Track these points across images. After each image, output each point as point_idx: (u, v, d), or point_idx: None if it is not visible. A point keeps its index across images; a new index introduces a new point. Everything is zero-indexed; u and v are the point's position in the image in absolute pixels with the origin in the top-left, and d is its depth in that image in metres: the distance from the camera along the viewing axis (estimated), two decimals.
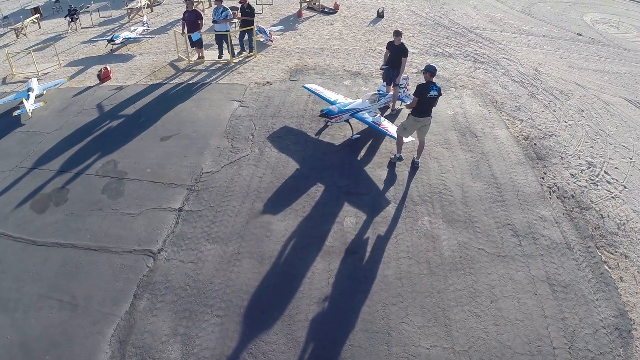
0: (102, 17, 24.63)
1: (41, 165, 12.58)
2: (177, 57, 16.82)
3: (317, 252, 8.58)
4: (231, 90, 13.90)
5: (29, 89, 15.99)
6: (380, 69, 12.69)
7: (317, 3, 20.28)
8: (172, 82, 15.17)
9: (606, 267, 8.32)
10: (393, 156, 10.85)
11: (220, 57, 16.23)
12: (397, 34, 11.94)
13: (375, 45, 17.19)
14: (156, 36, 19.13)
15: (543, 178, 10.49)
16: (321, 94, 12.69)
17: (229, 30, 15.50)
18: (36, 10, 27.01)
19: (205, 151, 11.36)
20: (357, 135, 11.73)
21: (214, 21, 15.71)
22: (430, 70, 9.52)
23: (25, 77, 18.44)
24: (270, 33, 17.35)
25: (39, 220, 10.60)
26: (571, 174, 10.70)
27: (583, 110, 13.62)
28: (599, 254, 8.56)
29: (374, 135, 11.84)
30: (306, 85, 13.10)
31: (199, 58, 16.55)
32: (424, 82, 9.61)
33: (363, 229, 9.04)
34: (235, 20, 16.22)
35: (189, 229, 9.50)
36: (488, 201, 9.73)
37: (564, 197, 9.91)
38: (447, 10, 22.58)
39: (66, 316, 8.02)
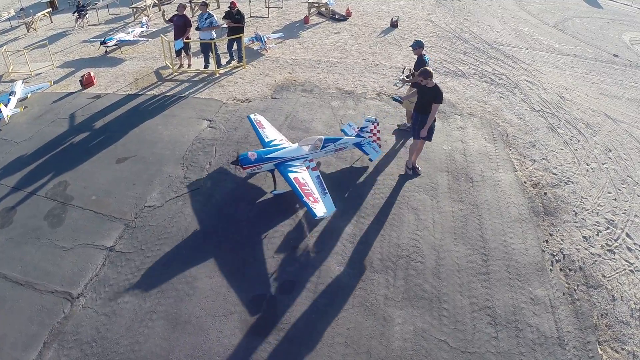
0: (111, 15, 25.01)
1: (1, 179, 12.70)
2: (164, 65, 16.61)
3: (238, 325, 7.98)
4: (205, 107, 13.63)
5: (11, 93, 16.41)
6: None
7: (327, 9, 19.64)
8: (149, 92, 15.19)
9: None
10: (401, 123, 12.12)
11: (206, 67, 15.98)
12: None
13: (379, 59, 16.47)
14: (150, 40, 19.03)
15: (547, 242, 9.17)
16: (259, 130, 11.20)
17: (213, 39, 15.15)
18: (51, 3, 27.65)
19: (155, 180, 11.15)
20: (279, 192, 10.25)
21: (197, 28, 15.42)
22: (421, 46, 11.28)
23: (19, 77, 18.79)
24: (266, 41, 16.87)
25: None
26: (584, 237, 9.33)
27: (610, 150, 12.35)
28: (600, 351, 7.24)
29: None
30: (250, 117, 11.74)
31: (181, 67, 16.28)
32: (418, 56, 11.20)
33: (300, 299, 8.20)
34: (224, 25, 15.83)
35: (113, 274, 9.34)
36: (468, 273, 8.49)
37: (569, 270, 8.58)
38: (471, 21, 21.45)
39: None
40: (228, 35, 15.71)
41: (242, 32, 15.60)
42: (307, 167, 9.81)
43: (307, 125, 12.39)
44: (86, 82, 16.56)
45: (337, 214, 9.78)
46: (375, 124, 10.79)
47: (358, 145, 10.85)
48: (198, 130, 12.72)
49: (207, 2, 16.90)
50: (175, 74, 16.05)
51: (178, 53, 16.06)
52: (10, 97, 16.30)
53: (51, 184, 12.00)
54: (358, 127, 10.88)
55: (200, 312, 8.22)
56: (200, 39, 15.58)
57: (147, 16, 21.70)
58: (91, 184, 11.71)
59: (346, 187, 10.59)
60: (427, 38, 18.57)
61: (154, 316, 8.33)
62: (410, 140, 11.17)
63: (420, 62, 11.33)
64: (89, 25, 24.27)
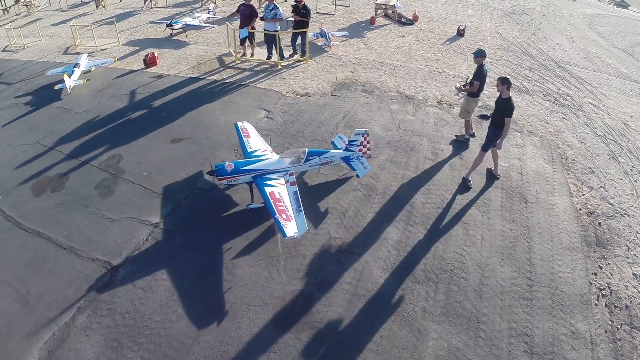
0: None
1: (58, 146, 13.12)
2: (227, 52, 16.74)
3: (272, 317, 7.87)
4: (264, 97, 13.59)
5: (76, 64, 16.91)
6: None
7: (394, 11, 19.43)
8: (210, 77, 15.35)
9: None
10: (460, 134, 11.74)
11: (268, 57, 16.01)
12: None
13: (443, 67, 16.11)
14: (216, 26, 19.22)
15: (595, 274, 8.63)
16: (244, 138, 10.65)
17: (277, 31, 15.16)
18: None
19: (208, 164, 11.05)
20: (257, 205, 9.69)
21: (262, 19, 15.44)
22: (483, 55, 10.97)
23: (85, 50, 19.34)
24: (331, 38, 16.77)
25: (33, 203, 11.21)
26: (634, 274, 8.78)
27: None
28: None
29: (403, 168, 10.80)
30: (237, 124, 11.16)
31: (244, 55, 16.37)
32: (478, 66, 11.01)
33: (337, 300, 8.04)
34: (290, 18, 15.82)
35: (155, 251, 9.40)
36: (510, 296, 8.11)
37: (615, 307, 8.04)
38: (539, 37, 20.74)
39: (16, 309, 8.44)
40: (293, 29, 15.70)
41: (307, 27, 15.55)
42: (287, 182, 9.36)
43: (364, 125, 12.19)
44: (149, 62, 16.89)
45: (385, 219, 9.57)
46: (365, 136, 10.28)
47: (345, 160, 10.31)
48: (255, 119, 12.70)
49: None
50: (238, 62, 16.16)
51: (242, 42, 16.15)
52: (74, 68, 16.82)
53: (105, 156, 12.23)
54: (347, 141, 10.40)
55: (235, 299, 8.19)
56: (265, 30, 15.61)
57: (215, 3, 21.97)
58: (144, 160, 11.88)
59: (398, 193, 10.32)
60: (493, 50, 18.07)
61: (190, 296, 8.35)
62: (468, 153, 10.88)
63: (479, 72, 11.07)
64: (156, 7, 24.83)
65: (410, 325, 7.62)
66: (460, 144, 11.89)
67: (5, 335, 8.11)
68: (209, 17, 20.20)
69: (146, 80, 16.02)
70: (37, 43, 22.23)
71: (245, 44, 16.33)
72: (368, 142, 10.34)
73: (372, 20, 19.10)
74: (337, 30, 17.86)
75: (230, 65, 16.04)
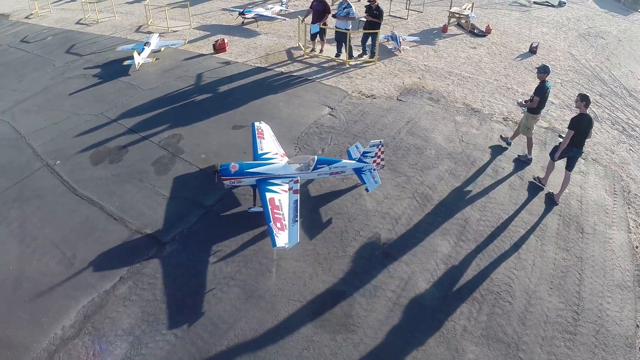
0: None
1: (120, 119, 13.34)
2: (297, 45, 16.66)
3: (310, 314, 7.73)
4: (329, 94, 13.40)
5: (146, 43, 17.23)
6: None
7: (467, 21, 18.93)
8: (277, 69, 15.30)
9: None
10: (522, 154, 11.34)
11: (337, 55, 15.83)
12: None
13: (512, 83, 15.46)
14: (287, 19, 19.20)
15: None
16: (257, 139, 10.42)
17: (348, 29, 14.95)
18: None
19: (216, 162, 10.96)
20: (257, 209, 9.38)
21: (334, 16, 15.28)
22: (547, 71, 10.67)
23: (156, 30, 19.71)
24: (401, 42, 16.46)
25: (90, 172, 11.50)
26: None
27: None
28: None
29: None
30: (255, 124, 10.94)
31: (313, 50, 16.26)
32: (540, 82, 10.74)
33: (378, 306, 7.84)
34: (362, 18, 15.61)
35: (204, 232, 9.38)
36: (554, 328, 7.70)
37: None
38: (612, 63, 19.62)
39: (60, 270, 8.70)
40: (364, 29, 15.48)
41: (379, 28, 15.29)
42: (290, 189, 9.03)
43: (427, 134, 11.82)
44: (219, 47, 17.00)
45: (438, 231, 9.22)
46: (380, 147, 9.76)
47: (357, 172, 9.81)
48: (318, 115, 12.51)
49: None
50: (306, 56, 16.05)
51: (313, 37, 16.04)
52: (144, 46, 17.13)
53: (166, 134, 12.30)
54: (362, 151, 9.89)
55: (277, 291, 8.09)
56: (336, 27, 15.45)
57: None
58: (203, 143, 11.89)
59: (453, 206, 9.89)
60: (564, 71, 17.24)
61: (231, 282, 8.29)
62: (528, 173, 10.62)
63: (541, 88, 10.71)
64: None
65: (448, 342, 7.35)
66: (522, 164, 11.38)
67: (46, 293, 8.37)
68: (281, 10, 20.23)
69: (214, 65, 16.11)
70: (111, 19, 22.85)
71: (316, 40, 16.21)
72: (382, 152, 9.88)
73: (444, 29, 18.68)
74: (408, 35, 17.52)
75: (299, 59, 15.94)
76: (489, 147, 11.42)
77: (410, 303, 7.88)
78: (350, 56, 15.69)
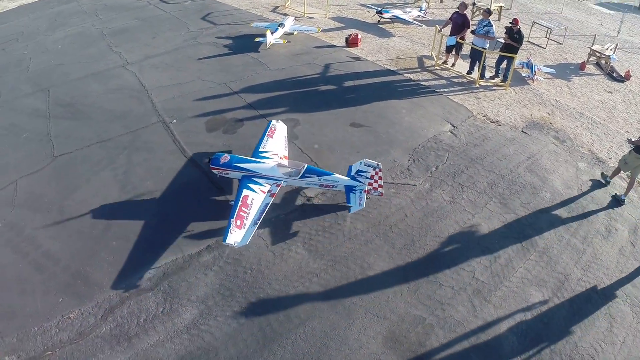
0: None
1: (242, 93, 13.66)
2: (429, 54, 16.24)
3: (384, 333, 7.51)
4: (453, 111, 12.90)
5: (280, 24, 17.60)
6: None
7: (607, 62, 17.53)
8: (406, 75, 14.93)
9: None
10: (617, 194, 10.62)
11: (469, 72, 15.22)
12: None
13: None
14: (424, 26, 18.78)
15: None
16: (265, 137, 10.47)
17: (485, 48, 14.28)
18: None
19: (379, 158, 10.74)
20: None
21: (473, 32, 14.68)
22: None
23: (292, 14, 20.02)
24: (536, 71, 15.56)
25: (203, 137, 12.03)
26: None
27: None
28: None
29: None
30: (272, 122, 11.04)
31: (445, 63, 15.77)
32: None
33: (454, 341, 7.45)
34: (500, 39, 14.89)
35: (299, 223, 9.39)
36: None
37: None
38: None
39: (151, 224, 9.44)
40: (501, 51, 14.77)
41: (516, 53, 14.51)
42: (268, 191, 9.05)
43: (546, 175, 10.96)
44: (351, 42, 16.92)
45: (534, 281, 8.45)
46: (377, 171, 9.16)
47: (347, 189, 9.38)
48: (439, 130, 12.05)
49: (492, 10, 16.03)
50: (437, 67, 15.57)
51: (448, 49, 15.54)
52: (278, 27, 17.45)
53: (283, 116, 12.40)
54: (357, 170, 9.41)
55: (357, 299, 7.92)
56: (473, 44, 14.85)
57: (428, 3, 21.52)
58: (319, 133, 11.88)
59: (557, 258, 8.98)
60: None
61: (314, 279, 8.23)
62: None
63: None
64: None
65: None
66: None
67: (132, 242, 8.93)
68: (419, 15, 19.80)
69: (343, 59, 16.05)
70: None
71: (451, 53, 15.71)
72: (380, 177, 9.27)
73: (582, 66, 17.42)
74: (544, 65, 16.49)
75: (429, 68, 15.49)
76: (607, 203, 10.49)
77: (487, 347, 7.40)
78: (482, 76, 15.05)
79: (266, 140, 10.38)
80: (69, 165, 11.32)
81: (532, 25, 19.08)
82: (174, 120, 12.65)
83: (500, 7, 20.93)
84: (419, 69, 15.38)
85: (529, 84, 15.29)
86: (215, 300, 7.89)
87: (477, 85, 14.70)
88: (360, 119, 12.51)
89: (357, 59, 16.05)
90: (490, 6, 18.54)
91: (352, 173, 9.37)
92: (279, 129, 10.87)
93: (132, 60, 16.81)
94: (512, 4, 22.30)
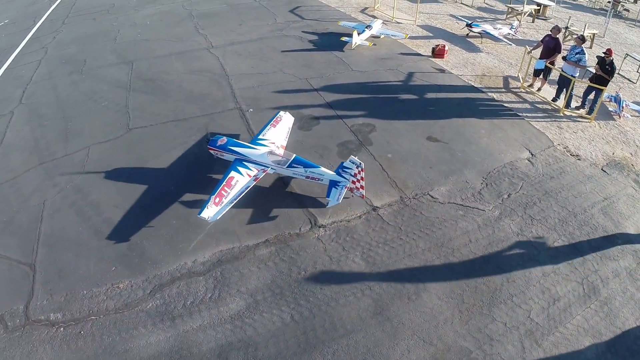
0: (486, 3, 24.87)
1: (321, 91, 14.18)
2: (516, 75, 15.87)
3: (427, 357, 7.42)
4: (534, 138, 12.56)
5: (368, 26, 17.70)
6: None
7: None
8: (490, 93, 14.63)
9: None
10: None
11: (554, 99, 14.75)
12: None
13: None
14: (513, 45, 18.32)
15: None
16: (268, 126, 11.06)
17: (575, 76, 13.77)
18: None
19: (452, 177, 10.75)
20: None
21: (564, 58, 14.18)
22: None
23: (380, 17, 20.06)
24: (624, 107, 14.86)
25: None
26: None
27: None
28: None
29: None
30: (279, 112, 11.68)
31: (531, 86, 15.36)
32: None
33: None
34: (591, 69, 14.32)
35: (361, 231, 9.44)
36: None
37: None
38: None
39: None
40: (590, 81, 14.22)
41: (606, 85, 13.92)
42: (254, 175, 9.63)
43: (621, 220, 10.36)
44: (438, 52, 16.78)
45: (590, 332, 8.04)
46: (360, 169, 9.33)
47: (331, 183, 9.66)
48: (516, 157, 11.77)
49: (585, 37, 15.43)
50: (522, 90, 15.19)
51: (536, 73, 15.11)
52: (366, 29, 17.57)
53: (360, 120, 12.55)
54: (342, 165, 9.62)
55: (406, 320, 7.85)
56: (562, 70, 14.38)
57: (519, 21, 20.98)
58: (394, 143, 11.91)
59: (618, 312, 8.48)
60: None
61: (367, 291, 8.24)
62: None
63: None
64: (461, 2, 24.55)
65: None
66: None
67: (193, 224, 9.29)
68: (509, 33, 19.33)
69: (427, 69, 15.96)
70: None
71: (538, 77, 15.28)
72: (362, 178, 9.48)
73: None
74: (633, 102, 15.79)
75: (514, 89, 15.13)
76: None
77: None
78: (568, 105, 14.55)
79: (268, 129, 10.93)
80: (142, 139, 11.87)
81: (624, 57, 18.28)
82: (251, 109, 12.96)
83: (594, 35, 20.14)
84: (503, 89, 15.05)
85: (615, 120, 14.67)
86: (265, 295, 8.07)
87: (562, 114, 14.25)
88: (438, 133, 12.41)
89: (442, 70, 15.90)
90: (584, 32, 17.92)
91: (339, 169, 9.68)
92: (284, 120, 11.46)
93: (216, 45, 17.32)
94: (605, 32, 21.43)
